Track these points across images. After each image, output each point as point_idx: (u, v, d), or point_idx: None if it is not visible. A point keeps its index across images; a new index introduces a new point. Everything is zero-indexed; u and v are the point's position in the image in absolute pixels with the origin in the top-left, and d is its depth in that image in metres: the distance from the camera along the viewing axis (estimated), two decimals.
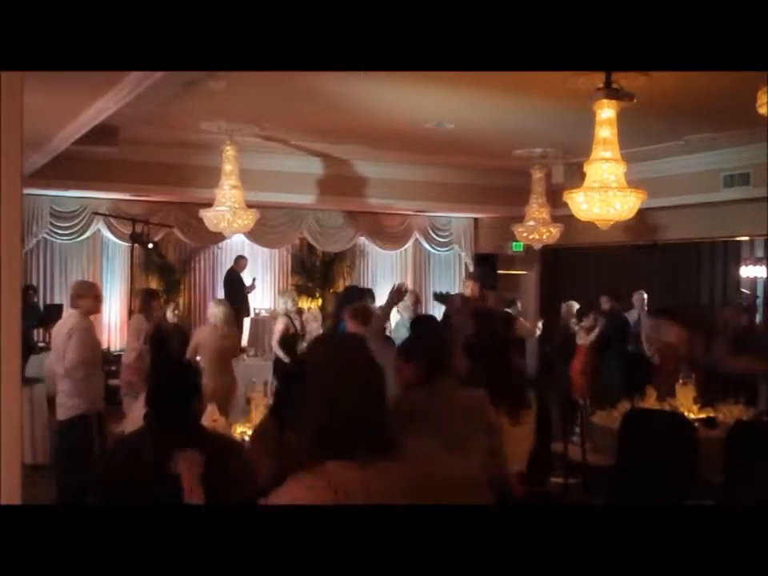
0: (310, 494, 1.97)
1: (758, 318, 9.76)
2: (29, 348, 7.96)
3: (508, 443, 3.50)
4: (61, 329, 5.64)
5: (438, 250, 12.64)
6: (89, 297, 5.64)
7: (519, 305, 9.91)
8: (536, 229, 9.28)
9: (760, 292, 9.91)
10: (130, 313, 8.67)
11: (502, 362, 3.97)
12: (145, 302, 7.34)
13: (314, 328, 8.51)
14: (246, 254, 11.52)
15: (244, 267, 11.10)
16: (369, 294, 9.11)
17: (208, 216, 8.27)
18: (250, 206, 8.34)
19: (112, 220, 10.46)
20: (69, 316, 5.70)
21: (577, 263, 11.61)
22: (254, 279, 11.03)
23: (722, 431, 5.24)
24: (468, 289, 8.64)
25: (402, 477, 2.11)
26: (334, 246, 11.87)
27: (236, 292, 10.59)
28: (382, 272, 12.49)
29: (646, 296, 9.34)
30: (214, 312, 6.63)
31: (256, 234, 10.53)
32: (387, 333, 8.12)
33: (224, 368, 6.44)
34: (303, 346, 6.90)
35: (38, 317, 9.70)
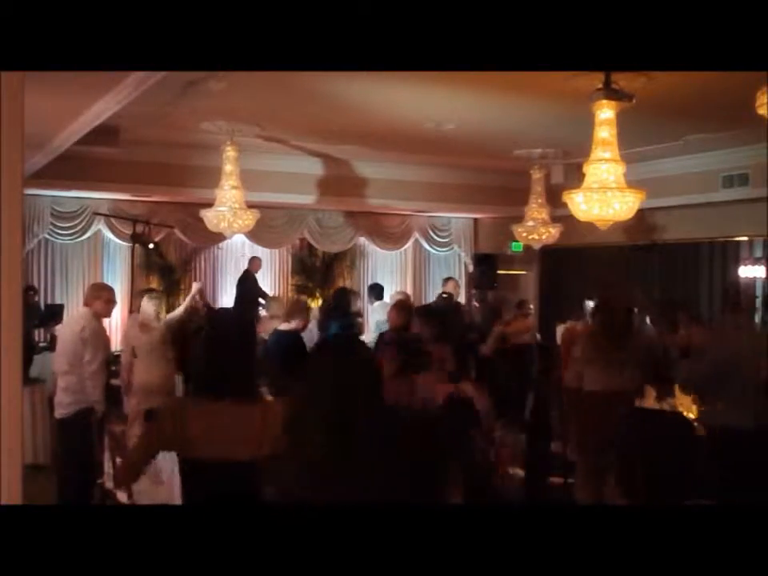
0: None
1: (757, 319, 9.75)
2: (31, 348, 7.95)
3: None
4: (72, 326, 5.70)
5: (438, 250, 12.64)
6: (100, 299, 5.72)
7: (531, 306, 9.90)
8: (535, 229, 9.28)
9: (759, 292, 9.89)
10: (130, 313, 8.67)
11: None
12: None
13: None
14: (246, 254, 11.53)
15: (258, 268, 11.12)
16: (376, 289, 9.16)
17: (208, 216, 8.27)
18: (250, 206, 8.34)
19: (113, 220, 10.46)
20: (80, 315, 5.79)
21: (576, 263, 11.60)
22: (265, 294, 10.92)
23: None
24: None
25: (249, 415, 2.80)
26: (334, 246, 11.86)
27: (248, 293, 10.55)
28: (382, 272, 12.48)
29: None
30: (142, 306, 6.67)
31: (256, 234, 10.52)
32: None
33: (156, 362, 6.43)
34: None
35: (39, 317, 9.70)
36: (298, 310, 5.76)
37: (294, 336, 5.64)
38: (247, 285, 10.68)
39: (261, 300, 10.64)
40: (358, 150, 9.21)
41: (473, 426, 3.79)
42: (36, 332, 9.75)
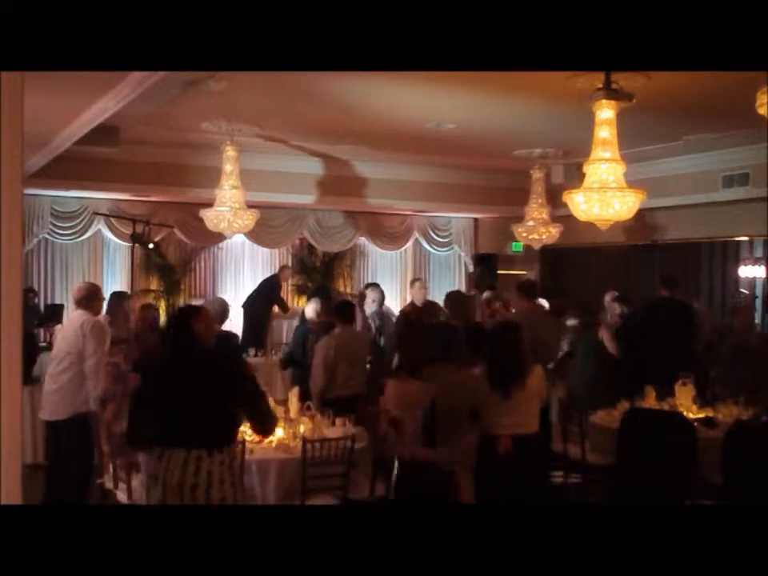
0: None
1: (758, 318, 9.75)
2: (32, 348, 7.91)
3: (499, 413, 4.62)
4: (71, 325, 5.65)
5: (438, 250, 12.64)
6: (101, 299, 5.84)
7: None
8: (535, 229, 9.27)
9: (759, 292, 9.89)
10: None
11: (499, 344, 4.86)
12: (112, 305, 7.34)
13: None
14: (246, 254, 11.54)
15: (287, 278, 11.11)
16: (376, 288, 9.18)
17: (208, 216, 8.26)
18: (250, 206, 8.33)
19: (113, 220, 10.45)
20: (78, 314, 5.67)
21: (576, 263, 11.60)
22: (283, 304, 10.91)
23: (721, 431, 5.24)
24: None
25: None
26: (334, 246, 11.86)
27: (269, 294, 10.50)
28: (382, 272, 12.48)
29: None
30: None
31: (256, 234, 10.52)
32: None
33: None
34: None
35: (39, 317, 9.69)
36: (224, 311, 6.30)
37: (229, 335, 6.28)
38: (271, 288, 10.60)
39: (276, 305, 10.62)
40: (358, 149, 9.20)
41: None
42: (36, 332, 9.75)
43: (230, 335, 6.27)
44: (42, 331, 9.92)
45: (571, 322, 7.54)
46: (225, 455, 3.58)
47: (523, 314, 6.76)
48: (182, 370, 3.72)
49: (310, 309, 7.36)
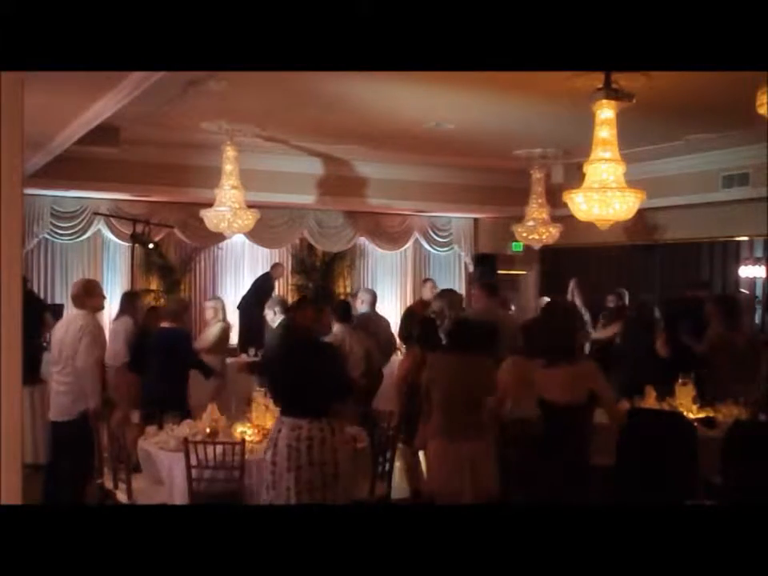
0: None
1: (758, 318, 9.74)
2: (34, 349, 7.89)
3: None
4: (70, 325, 5.56)
5: (438, 250, 12.64)
6: (97, 295, 5.71)
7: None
8: (535, 229, 9.28)
9: (759, 292, 9.89)
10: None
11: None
12: (128, 304, 7.30)
13: None
14: (246, 254, 11.52)
15: (280, 275, 11.10)
16: (369, 290, 9.18)
17: (208, 216, 8.27)
18: (250, 206, 8.34)
19: (113, 220, 10.45)
20: (77, 316, 5.60)
21: (576, 263, 11.59)
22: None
23: (721, 431, 5.23)
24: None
25: None
26: (334, 246, 11.86)
27: (261, 297, 10.48)
28: (382, 272, 12.48)
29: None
30: None
31: (256, 234, 10.52)
32: None
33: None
34: None
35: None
36: (182, 309, 6.48)
37: (181, 331, 6.31)
38: (264, 287, 10.58)
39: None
40: (358, 149, 9.20)
41: None
42: None
43: (178, 331, 6.16)
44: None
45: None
46: (324, 423, 4.27)
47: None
48: (287, 353, 4.70)
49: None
